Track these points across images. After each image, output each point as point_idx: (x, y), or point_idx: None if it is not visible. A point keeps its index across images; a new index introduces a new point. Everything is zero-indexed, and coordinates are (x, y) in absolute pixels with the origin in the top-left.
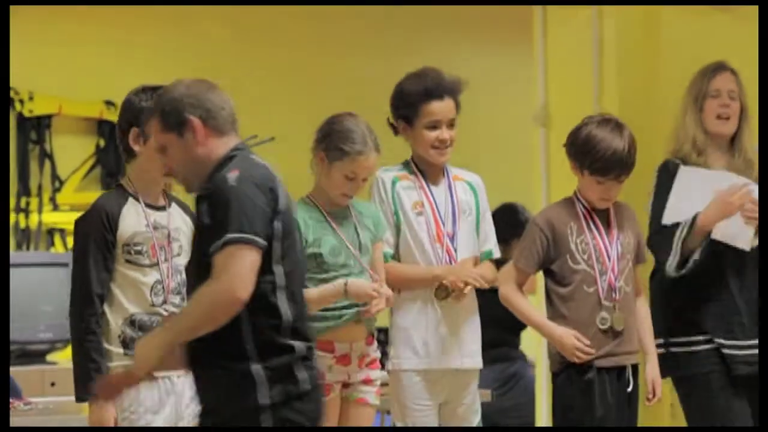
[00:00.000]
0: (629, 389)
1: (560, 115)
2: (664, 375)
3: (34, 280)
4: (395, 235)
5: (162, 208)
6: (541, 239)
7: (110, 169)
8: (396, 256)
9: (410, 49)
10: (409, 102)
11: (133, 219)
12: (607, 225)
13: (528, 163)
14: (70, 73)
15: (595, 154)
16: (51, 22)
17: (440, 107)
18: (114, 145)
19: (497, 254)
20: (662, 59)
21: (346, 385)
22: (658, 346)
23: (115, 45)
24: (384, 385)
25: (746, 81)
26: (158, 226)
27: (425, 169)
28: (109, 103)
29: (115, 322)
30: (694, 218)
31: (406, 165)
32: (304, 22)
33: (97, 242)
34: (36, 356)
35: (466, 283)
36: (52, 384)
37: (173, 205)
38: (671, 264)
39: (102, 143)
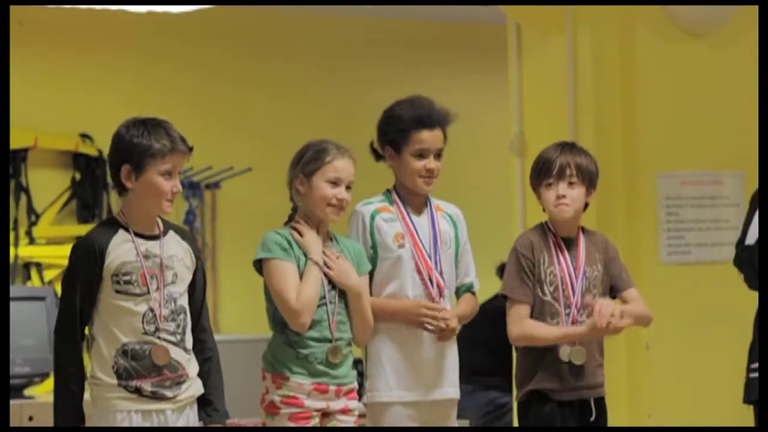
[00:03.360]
0: (591, 419)
1: (536, 143)
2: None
3: (11, 315)
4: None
5: (155, 237)
6: (527, 264)
7: (86, 201)
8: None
9: (384, 78)
10: (399, 128)
11: (121, 250)
12: (575, 257)
13: (504, 192)
14: (45, 107)
15: (536, 162)
16: (25, 57)
17: (430, 136)
18: (89, 177)
19: (477, 287)
20: (638, 86)
21: (325, 415)
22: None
23: (90, 78)
24: (362, 416)
25: (722, 104)
26: (150, 255)
27: (408, 199)
28: (84, 136)
29: (108, 352)
30: None
31: (386, 195)
32: (274, 54)
33: (83, 273)
34: (14, 390)
35: (447, 325)
36: (30, 418)
37: (170, 232)
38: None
39: (77, 176)
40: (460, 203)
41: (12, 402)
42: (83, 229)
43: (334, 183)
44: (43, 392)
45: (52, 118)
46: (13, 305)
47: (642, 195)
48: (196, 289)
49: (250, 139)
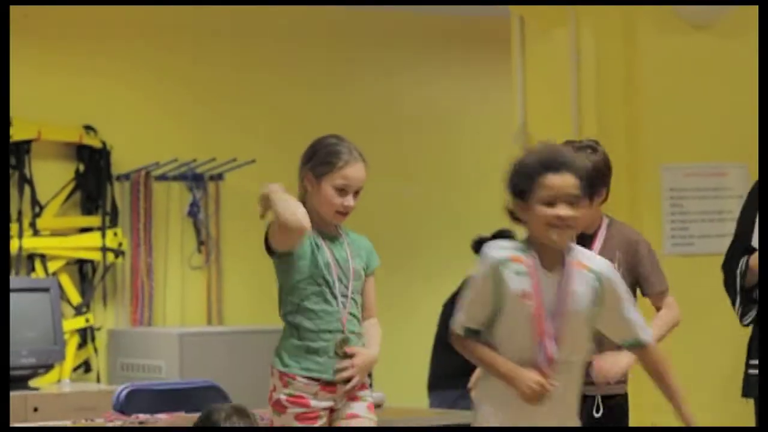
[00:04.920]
0: (598, 415)
1: (540, 135)
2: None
3: (15, 306)
4: (495, 313)
5: None
6: None
7: (90, 193)
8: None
9: (387, 71)
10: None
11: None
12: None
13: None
14: (49, 99)
15: None
16: (29, 48)
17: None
18: (93, 169)
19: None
20: (641, 77)
21: (332, 410)
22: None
23: (94, 70)
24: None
25: (725, 96)
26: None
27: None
28: (88, 128)
29: None
30: (746, 263)
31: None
32: (278, 46)
33: None
34: (18, 382)
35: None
36: (35, 409)
37: None
38: (737, 312)
39: (81, 168)
40: (462, 195)
41: (17, 393)
42: (87, 221)
43: (343, 190)
44: (48, 383)
45: (55, 109)
46: (17, 296)
47: (646, 186)
48: None
49: (254, 131)
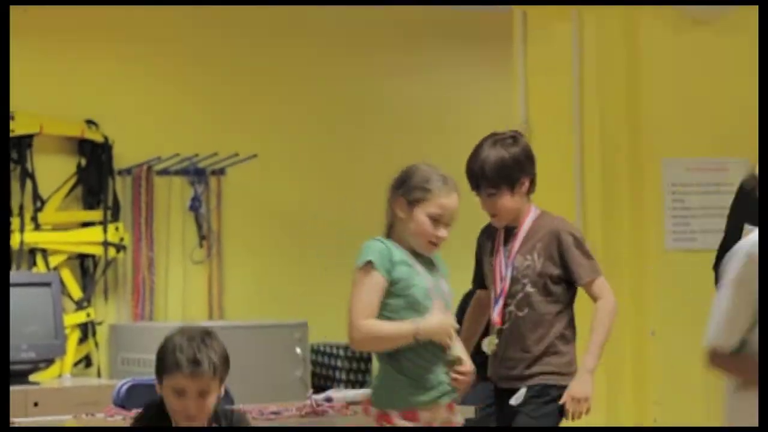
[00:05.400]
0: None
1: (541, 131)
2: None
3: (16, 300)
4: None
5: None
6: (476, 251)
7: (92, 187)
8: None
9: (389, 66)
10: None
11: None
12: (511, 247)
13: None
14: (51, 93)
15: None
16: (30, 41)
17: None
18: (95, 163)
19: None
20: (643, 72)
21: None
22: None
23: (96, 64)
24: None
25: (727, 91)
26: None
27: None
28: (90, 122)
29: None
30: None
31: None
32: (280, 41)
33: None
34: (19, 376)
35: None
36: (35, 404)
37: None
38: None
39: (83, 162)
40: (463, 192)
41: (18, 388)
42: (89, 216)
43: (437, 220)
44: (48, 378)
45: (57, 104)
46: (18, 291)
47: (648, 181)
48: None
49: (256, 125)
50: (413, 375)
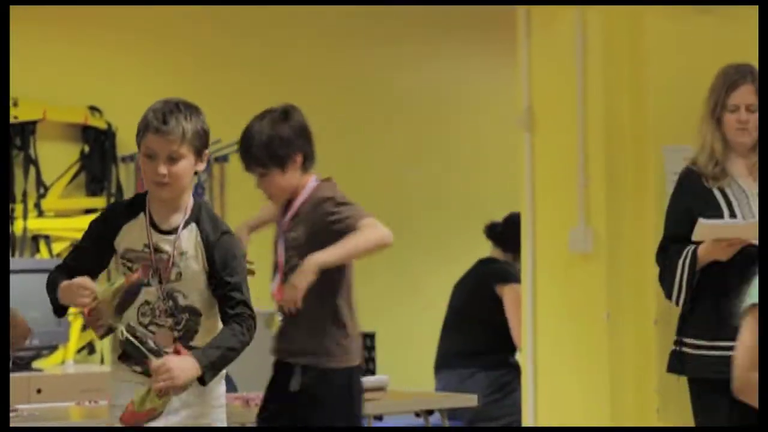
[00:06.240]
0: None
1: (545, 118)
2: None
3: (19, 287)
4: None
5: (170, 232)
6: None
7: (95, 174)
8: None
9: (392, 57)
10: None
11: (132, 235)
12: (284, 222)
13: (511, 168)
14: (54, 79)
15: None
16: (34, 28)
17: None
18: (98, 150)
19: None
20: (648, 60)
21: None
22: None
23: (99, 51)
24: (370, 390)
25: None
26: (159, 249)
27: None
28: (93, 109)
29: (119, 330)
30: (694, 252)
31: None
32: (284, 31)
33: (90, 233)
34: (22, 363)
35: None
36: (38, 391)
37: (190, 226)
38: (676, 299)
39: (86, 149)
40: (467, 179)
41: (20, 375)
42: (92, 202)
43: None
44: (51, 365)
45: (61, 90)
46: (21, 277)
47: (651, 169)
48: (215, 271)
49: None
50: None
